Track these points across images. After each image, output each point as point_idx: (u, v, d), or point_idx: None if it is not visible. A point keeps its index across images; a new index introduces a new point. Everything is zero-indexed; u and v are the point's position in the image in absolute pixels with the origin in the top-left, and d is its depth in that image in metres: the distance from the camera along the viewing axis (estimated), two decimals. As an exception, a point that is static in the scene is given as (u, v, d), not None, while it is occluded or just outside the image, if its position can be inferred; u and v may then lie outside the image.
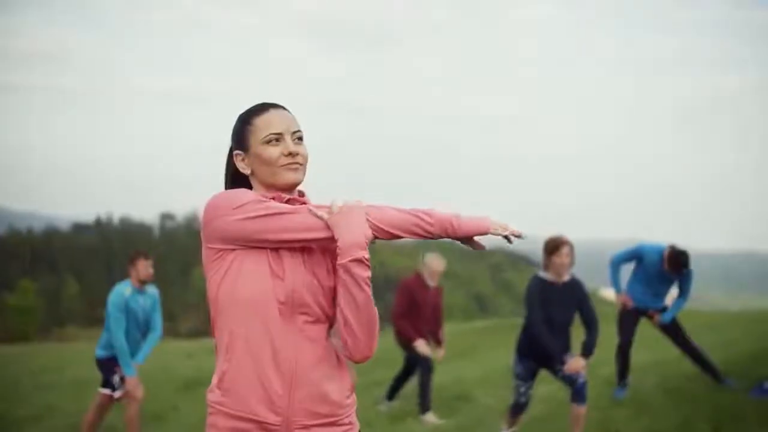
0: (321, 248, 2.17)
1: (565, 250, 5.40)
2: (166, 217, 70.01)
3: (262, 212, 2.07)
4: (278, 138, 2.15)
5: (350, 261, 2.05)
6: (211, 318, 2.20)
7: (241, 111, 2.25)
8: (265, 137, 2.15)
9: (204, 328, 36.82)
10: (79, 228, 69.59)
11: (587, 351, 5.46)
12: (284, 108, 2.22)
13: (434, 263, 7.38)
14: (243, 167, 2.21)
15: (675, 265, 6.67)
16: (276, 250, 2.10)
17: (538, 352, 5.48)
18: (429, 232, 2.14)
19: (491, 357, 11.96)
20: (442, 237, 2.15)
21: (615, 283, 7.06)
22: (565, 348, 5.49)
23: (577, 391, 5.38)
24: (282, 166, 2.15)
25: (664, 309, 6.99)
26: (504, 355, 11.87)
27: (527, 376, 5.64)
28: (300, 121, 2.23)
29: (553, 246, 5.43)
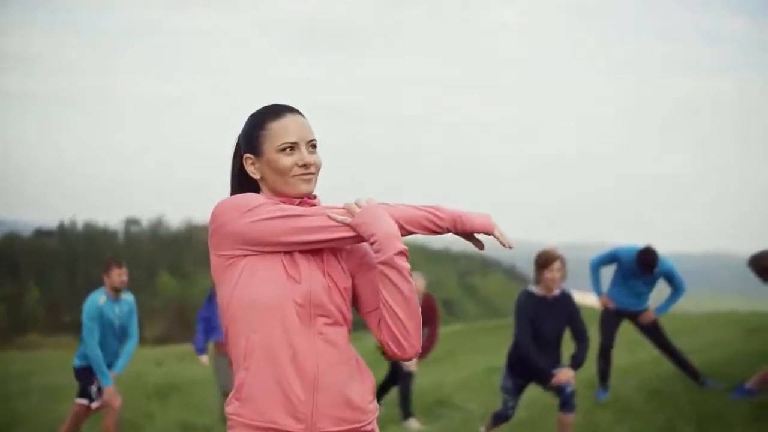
0: (333, 250, 2.12)
1: (556, 264, 5.33)
2: (131, 222, 69.05)
3: (279, 213, 2.02)
4: (293, 147, 2.10)
5: (395, 254, 2.01)
6: (224, 328, 2.11)
7: (253, 111, 2.18)
8: (279, 145, 2.10)
9: (171, 335, 36.41)
10: (41, 233, 68.42)
11: (576, 363, 5.42)
12: (299, 113, 2.16)
13: (416, 282, 7.32)
14: (253, 171, 2.15)
15: (644, 265, 6.70)
16: (290, 253, 2.05)
17: (528, 368, 5.43)
18: (439, 227, 2.14)
19: (468, 361, 11.97)
20: (449, 232, 2.16)
21: (595, 285, 7.05)
22: (555, 363, 5.44)
23: (566, 400, 5.34)
24: (295, 176, 2.10)
25: (645, 311, 6.98)
26: (480, 359, 11.90)
27: (516, 391, 5.61)
28: None
29: (545, 260, 5.35)
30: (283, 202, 2.09)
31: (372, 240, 2.02)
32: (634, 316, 7.00)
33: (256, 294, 2.01)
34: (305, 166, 2.09)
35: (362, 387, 2.10)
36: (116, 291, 6.15)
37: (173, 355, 17.59)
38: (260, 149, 2.11)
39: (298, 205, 2.10)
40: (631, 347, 8.74)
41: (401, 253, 2.02)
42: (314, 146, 2.13)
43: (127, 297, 6.30)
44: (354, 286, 2.15)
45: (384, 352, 2.13)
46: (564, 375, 5.31)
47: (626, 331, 7.33)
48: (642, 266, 6.72)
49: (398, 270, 2.01)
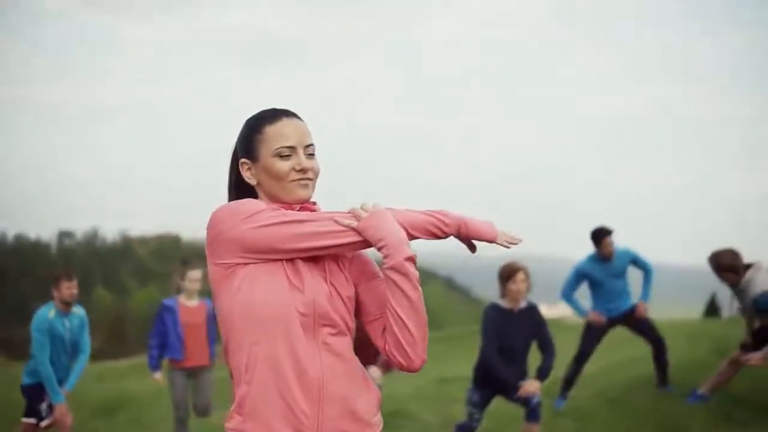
0: (335, 258, 2.05)
1: (520, 276, 5.30)
2: (64, 234, 67.48)
3: (282, 219, 1.95)
4: (290, 151, 2.02)
5: (405, 260, 1.94)
6: (223, 341, 2.02)
7: (251, 115, 2.11)
8: (276, 149, 2.03)
9: (108, 350, 35.55)
10: (-31, 247, 66.34)
11: (543, 375, 5.40)
12: (297, 116, 2.09)
13: None
14: (249, 177, 2.08)
15: (597, 243, 6.85)
16: (292, 261, 1.97)
17: (494, 381, 5.40)
18: (444, 233, 2.09)
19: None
20: (452, 236, 2.11)
21: (579, 310, 7.14)
22: (522, 375, 5.40)
23: (532, 411, 5.32)
24: (292, 181, 2.03)
25: (635, 306, 7.04)
26: (429, 370, 11.89)
27: (482, 404, 5.57)
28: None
29: (508, 273, 5.32)
30: (284, 208, 2.02)
31: (380, 245, 1.96)
32: (627, 317, 7.03)
33: (257, 304, 1.92)
34: (302, 171, 2.02)
35: (368, 399, 2.03)
36: (66, 304, 5.93)
37: (113, 370, 17.13)
38: (256, 154, 2.05)
39: (298, 211, 2.03)
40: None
41: (410, 258, 1.96)
42: (312, 152, 2.07)
43: (78, 311, 6.09)
44: (356, 294, 2.08)
45: (387, 363, 2.07)
46: (530, 386, 5.28)
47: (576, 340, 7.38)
48: (597, 246, 6.86)
49: (407, 276, 1.95)
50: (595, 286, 7.00)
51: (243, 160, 2.08)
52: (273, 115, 2.07)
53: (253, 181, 2.07)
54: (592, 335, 7.05)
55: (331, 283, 2.01)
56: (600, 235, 6.88)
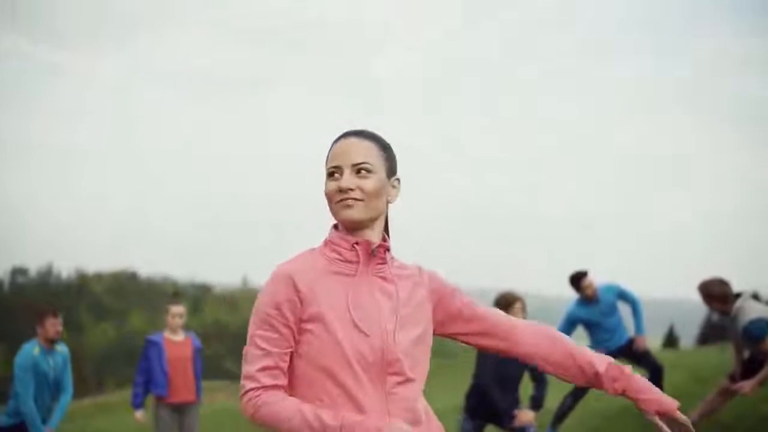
0: (412, 290, 1.98)
1: (517, 305, 5.36)
2: (17, 271, 66.10)
3: (251, 342, 1.91)
4: (336, 171, 1.93)
5: None
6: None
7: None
8: (327, 170, 1.96)
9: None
10: None
11: (536, 404, 5.48)
12: (361, 135, 1.98)
13: None
14: None
15: (577, 288, 6.94)
16: (357, 301, 1.89)
17: (488, 410, 5.41)
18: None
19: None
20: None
21: None
22: (515, 404, 5.44)
23: None
24: (337, 202, 1.92)
25: (631, 341, 7.09)
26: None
27: None
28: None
29: (506, 302, 5.37)
30: (342, 248, 1.95)
31: None
32: (625, 350, 7.05)
33: (318, 355, 1.86)
34: (342, 190, 1.90)
35: None
36: (51, 342, 5.83)
37: (77, 409, 16.74)
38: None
39: (351, 249, 1.93)
40: (564, 387, 8.84)
41: None
42: (365, 170, 1.92)
43: (61, 348, 5.99)
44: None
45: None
46: (525, 416, 5.33)
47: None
48: (578, 291, 6.93)
49: None
50: (591, 327, 7.09)
51: None
52: (339, 137, 1.99)
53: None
54: None
55: (404, 327, 1.95)
56: (577, 279, 6.98)
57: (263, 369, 1.85)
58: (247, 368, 1.87)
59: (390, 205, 2.02)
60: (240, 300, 63.39)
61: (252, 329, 1.89)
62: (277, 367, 1.86)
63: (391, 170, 1.99)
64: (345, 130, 2.02)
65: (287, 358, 1.88)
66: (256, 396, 1.84)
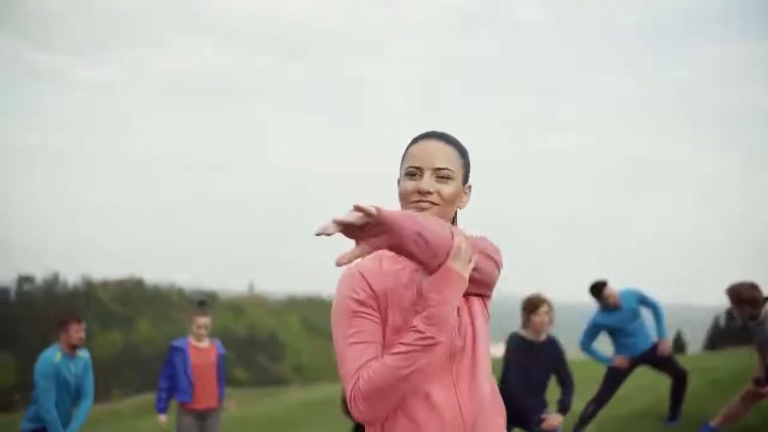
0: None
1: (543, 308, 5.39)
2: (23, 279, 66.13)
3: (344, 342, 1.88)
4: (416, 172, 1.94)
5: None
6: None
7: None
8: (406, 169, 1.97)
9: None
10: (-75, 294, 64.62)
11: (564, 408, 5.47)
12: (444, 139, 1.99)
13: None
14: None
15: (598, 298, 6.94)
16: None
17: (515, 413, 5.37)
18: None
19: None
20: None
21: (601, 357, 7.18)
22: (542, 407, 5.44)
23: None
24: (412, 202, 1.92)
25: (654, 346, 7.07)
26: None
27: None
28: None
29: (532, 305, 5.41)
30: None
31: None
32: (649, 355, 7.06)
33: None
34: (422, 192, 1.91)
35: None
36: (73, 348, 5.81)
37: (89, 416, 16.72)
38: (400, 173, 2.01)
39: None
40: (581, 392, 8.82)
41: None
42: (446, 176, 1.94)
43: (83, 354, 5.96)
44: None
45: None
46: (553, 420, 5.34)
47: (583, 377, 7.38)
48: (599, 299, 6.94)
49: None
50: (615, 333, 7.08)
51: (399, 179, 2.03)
52: (419, 137, 2.01)
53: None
54: (615, 378, 7.09)
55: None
56: (598, 290, 6.96)
57: (361, 367, 1.82)
58: (343, 371, 1.84)
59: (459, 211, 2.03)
60: (246, 306, 63.43)
61: (339, 331, 1.88)
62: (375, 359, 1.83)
63: (466, 177, 2.02)
64: (427, 131, 2.02)
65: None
66: (356, 389, 1.80)
